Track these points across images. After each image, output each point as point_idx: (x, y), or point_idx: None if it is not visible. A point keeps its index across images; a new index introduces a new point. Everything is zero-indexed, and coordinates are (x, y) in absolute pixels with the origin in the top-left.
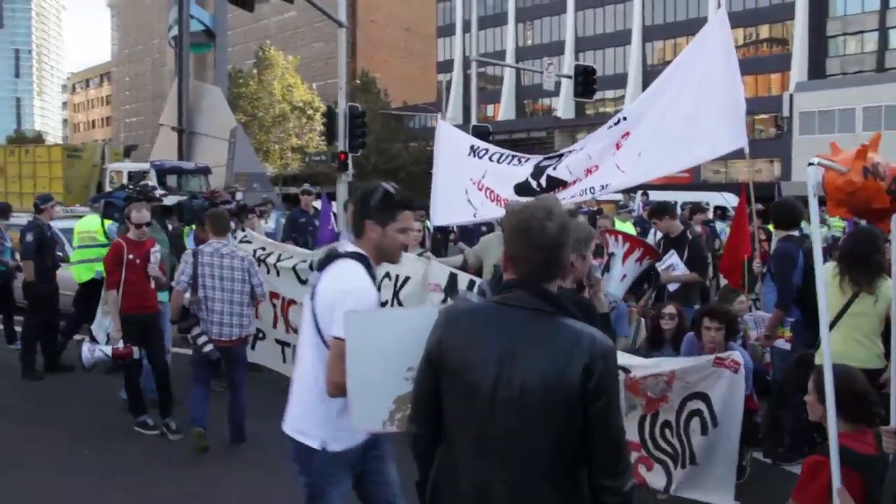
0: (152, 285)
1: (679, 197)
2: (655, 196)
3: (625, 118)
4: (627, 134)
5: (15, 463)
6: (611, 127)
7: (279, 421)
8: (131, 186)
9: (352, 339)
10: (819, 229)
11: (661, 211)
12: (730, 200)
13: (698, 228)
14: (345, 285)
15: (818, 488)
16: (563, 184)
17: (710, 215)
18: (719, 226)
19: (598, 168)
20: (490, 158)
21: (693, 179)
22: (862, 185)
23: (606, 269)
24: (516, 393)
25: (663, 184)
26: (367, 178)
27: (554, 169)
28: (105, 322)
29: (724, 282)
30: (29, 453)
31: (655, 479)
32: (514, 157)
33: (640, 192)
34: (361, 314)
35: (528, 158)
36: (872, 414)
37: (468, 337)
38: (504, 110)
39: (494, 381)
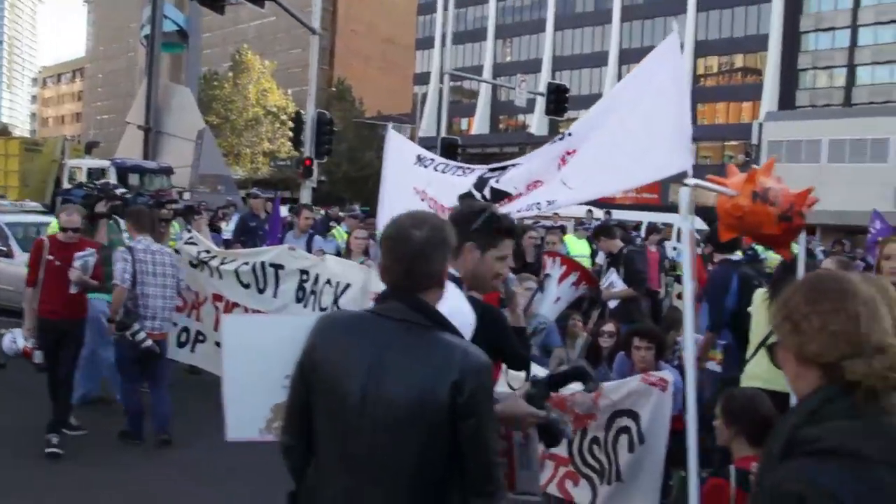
0: (72, 290)
1: (645, 218)
2: (620, 216)
3: (570, 134)
4: (574, 151)
5: None
6: (554, 142)
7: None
8: (91, 184)
9: (228, 343)
10: (690, 250)
11: (598, 232)
12: (696, 223)
13: (653, 248)
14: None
15: None
16: (507, 195)
17: (675, 236)
18: (679, 247)
19: (543, 183)
20: (435, 168)
21: (661, 201)
22: (749, 209)
23: (540, 289)
24: (383, 406)
25: (631, 203)
26: (338, 185)
27: (497, 181)
28: None
29: (677, 302)
30: None
31: (581, 494)
32: (458, 167)
33: (603, 211)
34: (238, 318)
35: (473, 170)
36: None
37: (340, 345)
38: (478, 124)
39: (361, 393)
